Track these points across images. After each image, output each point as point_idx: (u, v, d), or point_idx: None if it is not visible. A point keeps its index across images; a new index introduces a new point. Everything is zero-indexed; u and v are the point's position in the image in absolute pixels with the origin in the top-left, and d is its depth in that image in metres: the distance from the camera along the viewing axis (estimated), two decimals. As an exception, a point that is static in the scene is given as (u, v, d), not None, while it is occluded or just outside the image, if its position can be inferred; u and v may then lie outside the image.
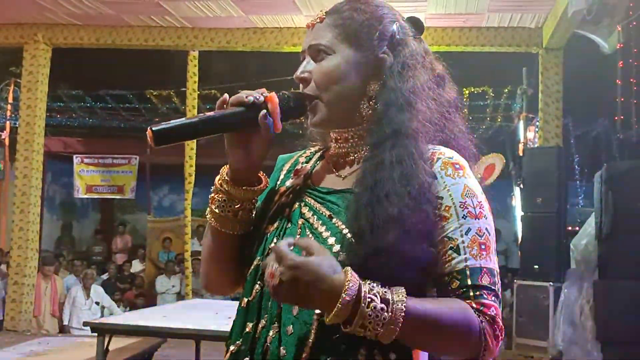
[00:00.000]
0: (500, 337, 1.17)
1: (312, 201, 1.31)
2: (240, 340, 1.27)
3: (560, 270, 6.40)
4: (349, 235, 1.18)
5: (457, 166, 1.25)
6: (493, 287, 1.18)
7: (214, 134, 1.24)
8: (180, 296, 9.64)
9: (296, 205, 1.32)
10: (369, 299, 1.06)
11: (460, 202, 1.21)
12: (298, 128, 1.48)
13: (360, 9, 1.33)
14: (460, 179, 1.23)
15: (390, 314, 1.07)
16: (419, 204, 1.17)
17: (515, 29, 7.83)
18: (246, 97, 1.22)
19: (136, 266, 11.50)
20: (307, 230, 1.26)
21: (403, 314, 1.07)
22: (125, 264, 11.58)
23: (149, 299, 9.94)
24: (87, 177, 11.25)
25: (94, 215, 16.41)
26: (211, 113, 1.22)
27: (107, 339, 3.91)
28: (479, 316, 1.15)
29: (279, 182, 1.42)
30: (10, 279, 8.32)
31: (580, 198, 12.03)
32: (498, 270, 1.22)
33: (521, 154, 8.68)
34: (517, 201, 9.50)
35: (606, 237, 5.48)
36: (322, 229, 1.24)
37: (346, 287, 1.06)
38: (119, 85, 11.38)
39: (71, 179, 11.57)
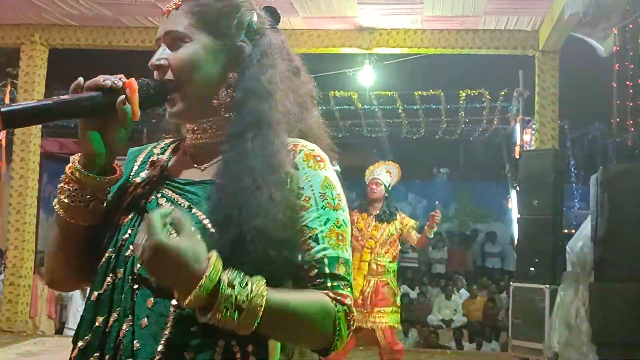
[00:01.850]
0: (353, 326, 1.22)
1: (170, 192, 1.28)
2: (90, 335, 1.22)
3: (556, 272, 6.41)
4: (209, 225, 1.18)
5: (318, 158, 1.28)
6: (348, 278, 1.23)
7: (68, 118, 1.19)
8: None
9: (152, 196, 1.29)
10: (228, 293, 1.07)
11: (320, 193, 1.25)
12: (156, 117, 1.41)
13: None
14: (320, 170, 1.27)
15: (247, 307, 1.08)
16: (282, 193, 1.19)
17: (511, 31, 7.85)
18: (103, 81, 1.18)
19: (132, 267, 11.48)
20: None
21: (262, 307, 1.09)
22: (122, 266, 11.54)
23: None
24: (83, 178, 11.22)
25: (90, 217, 16.37)
26: (66, 96, 1.17)
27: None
28: (335, 306, 1.19)
29: (132, 174, 1.38)
30: (7, 280, 8.30)
31: (576, 200, 12.07)
32: (352, 261, 1.26)
33: (517, 157, 8.70)
34: (513, 204, 9.53)
35: (602, 240, 5.50)
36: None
37: (205, 278, 1.06)
38: (115, 86, 11.35)
39: (67, 180, 11.53)
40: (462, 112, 11.13)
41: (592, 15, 6.05)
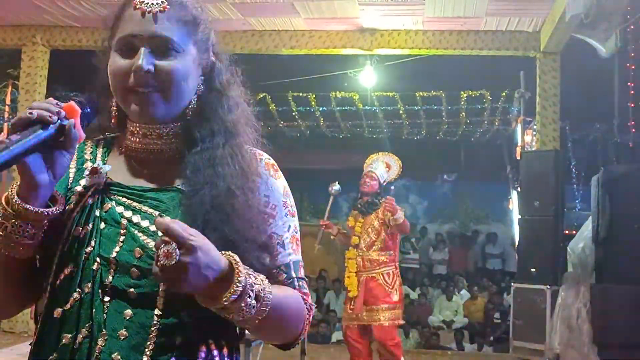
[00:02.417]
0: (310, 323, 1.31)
1: (127, 200, 1.24)
2: (56, 353, 1.17)
3: (557, 273, 6.41)
4: None
5: (275, 167, 1.34)
6: (306, 279, 1.32)
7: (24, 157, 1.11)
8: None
9: (108, 205, 1.24)
10: (251, 282, 1.12)
11: (282, 201, 1.31)
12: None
13: (201, 7, 1.31)
14: (279, 179, 1.33)
15: (263, 296, 1.13)
16: (255, 199, 1.23)
17: (512, 32, 7.84)
18: (49, 117, 1.11)
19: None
20: (134, 229, 1.20)
21: (270, 299, 1.14)
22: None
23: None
24: (84, 179, 11.21)
25: (91, 217, 16.35)
26: (16, 136, 1.09)
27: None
28: (304, 302, 1.28)
29: (71, 182, 1.29)
30: (7, 281, 8.29)
31: (577, 202, 12.07)
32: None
33: (518, 158, 8.69)
34: (514, 205, 9.52)
35: (603, 241, 5.50)
36: (155, 227, 1.15)
37: (238, 276, 1.10)
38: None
39: (69, 181, 11.53)
40: (463, 113, 11.13)
41: (593, 16, 6.05)
